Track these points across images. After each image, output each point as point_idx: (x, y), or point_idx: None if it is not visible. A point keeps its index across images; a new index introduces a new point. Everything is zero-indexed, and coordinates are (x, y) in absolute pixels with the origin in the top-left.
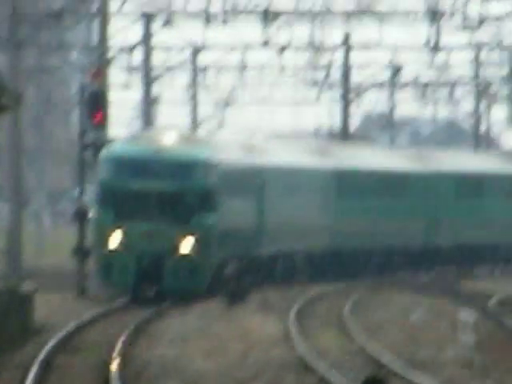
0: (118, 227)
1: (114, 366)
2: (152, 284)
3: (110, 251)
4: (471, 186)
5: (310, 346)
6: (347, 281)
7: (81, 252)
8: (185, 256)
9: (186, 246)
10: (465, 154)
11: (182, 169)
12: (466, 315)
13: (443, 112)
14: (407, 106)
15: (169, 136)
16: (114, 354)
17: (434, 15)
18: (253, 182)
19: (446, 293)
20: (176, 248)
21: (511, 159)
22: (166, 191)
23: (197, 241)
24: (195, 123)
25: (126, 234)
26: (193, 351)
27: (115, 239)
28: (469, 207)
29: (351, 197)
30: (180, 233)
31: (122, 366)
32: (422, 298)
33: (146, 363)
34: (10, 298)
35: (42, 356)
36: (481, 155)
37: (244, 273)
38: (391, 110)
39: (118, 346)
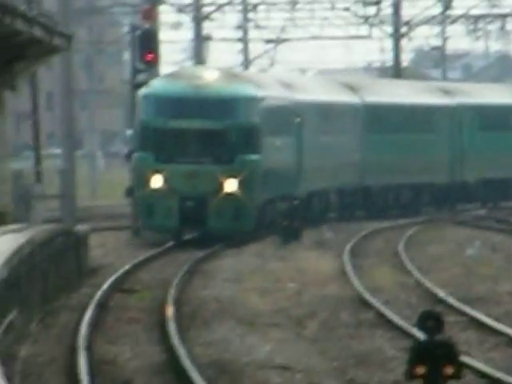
0: (160, 169)
1: (170, 306)
2: (196, 226)
3: (152, 193)
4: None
5: (365, 282)
6: (383, 216)
7: (134, 193)
8: (229, 195)
9: (231, 185)
10: (494, 87)
11: (225, 106)
12: None
13: (495, 46)
14: (459, 40)
15: (210, 73)
16: (170, 294)
17: None
18: (292, 119)
19: (501, 227)
20: (220, 188)
21: None
22: (209, 130)
23: (241, 180)
24: (247, 62)
25: (167, 176)
26: (248, 290)
27: (157, 181)
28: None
29: (380, 131)
30: (224, 172)
31: (178, 305)
32: (477, 232)
33: (202, 302)
34: (66, 239)
35: (97, 297)
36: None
37: (296, 211)
38: (443, 44)
39: (173, 285)
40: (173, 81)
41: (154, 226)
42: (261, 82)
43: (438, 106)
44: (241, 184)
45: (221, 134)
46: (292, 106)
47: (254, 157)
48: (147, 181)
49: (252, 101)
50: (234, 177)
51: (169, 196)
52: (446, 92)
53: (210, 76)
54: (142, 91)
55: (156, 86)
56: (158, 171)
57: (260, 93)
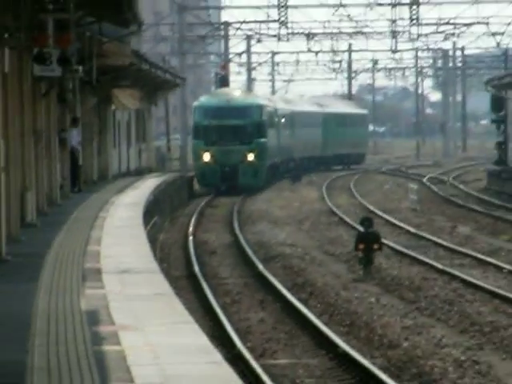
0: (208, 149)
1: (235, 214)
2: (231, 182)
3: (204, 164)
4: (341, 120)
5: (333, 202)
6: (340, 170)
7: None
8: (250, 163)
9: (250, 157)
10: (339, 101)
11: (245, 111)
12: (413, 185)
13: (400, 82)
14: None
15: (235, 91)
16: (234, 209)
17: None
18: (285, 119)
19: (401, 175)
20: (244, 159)
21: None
22: (236, 125)
23: (256, 154)
24: (273, 91)
25: (212, 153)
26: (273, 206)
27: (206, 157)
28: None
29: (332, 127)
30: (246, 150)
31: (238, 213)
32: (389, 177)
33: (251, 212)
34: (182, 180)
35: (198, 209)
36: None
37: (299, 166)
38: (373, 82)
39: (236, 205)
40: (213, 97)
41: (205, 183)
42: (266, 98)
43: (318, 112)
44: (256, 156)
45: (243, 127)
46: (285, 111)
47: (263, 140)
48: (201, 156)
49: (261, 107)
50: (252, 152)
51: (214, 165)
52: (320, 104)
53: (235, 93)
54: (195, 103)
55: (203, 100)
56: (207, 150)
57: (265, 103)
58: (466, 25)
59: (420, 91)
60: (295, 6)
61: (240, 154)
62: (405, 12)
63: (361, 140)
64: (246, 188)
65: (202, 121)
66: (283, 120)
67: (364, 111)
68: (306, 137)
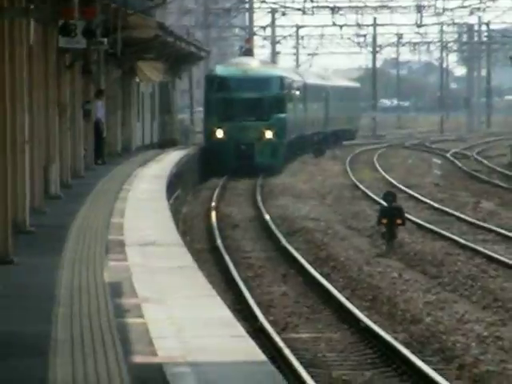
0: (221, 126)
1: (258, 187)
2: (247, 161)
3: (217, 142)
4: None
5: (356, 177)
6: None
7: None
8: (268, 141)
9: (268, 134)
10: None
11: (263, 83)
12: (436, 160)
13: (424, 57)
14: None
15: (253, 61)
16: (258, 184)
17: None
18: (302, 91)
19: (425, 150)
20: (262, 136)
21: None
22: (253, 98)
23: (274, 131)
24: (297, 64)
25: (226, 130)
26: (297, 180)
27: (219, 134)
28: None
29: (332, 102)
30: (263, 126)
31: (261, 187)
32: (414, 151)
33: (274, 186)
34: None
35: (221, 183)
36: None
37: (322, 141)
38: (397, 56)
39: (259, 179)
40: (228, 67)
41: (219, 163)
42: (288, 71)
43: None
44: (274, 133)
45: (261, 101)
46: (299, 84)
47: (282, 115)
48: (213, 133)
49: (281, 79)
50: (270, 129)
51: (228, 143)
52: (322, 77)
53: (253, 63)
54: (207, 74)
55: (217, 70)
56: (220, 127)
57: (285, 75)
58: None
59: (444, 66)
60: None
61: (257, 131)
62: None
63: (355, 115)
64: (263, 168)
65: (214, 93)
66: (308, 93)
67: (356, 85)
68: (315, 112)
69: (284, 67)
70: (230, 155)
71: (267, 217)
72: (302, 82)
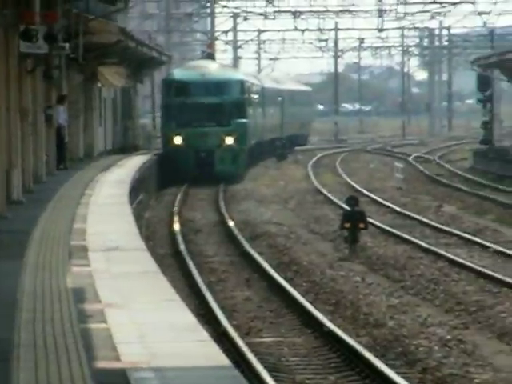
0: (179, 132)
1: (220, 192)
2: (207, 169)
3: (175, 149)
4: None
5: (319, 181)
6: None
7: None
8: (228, 147)
9: (229, 140)
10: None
11: (223, 86)
12: (399, 164)
13: (385, 61)
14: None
15: (211, 64)
16: (220, 190)
17: None
18: (261, 96)
19: (387, 154)
20: (222, 142)
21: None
22: (213, 103)
23: (236, 137)
24: (259, 70)
25: (185, 137)
26: (259, 185)
27: (177, 140)
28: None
29: (287, 106)
30: (224, 132)
31: (224, 192)
32: (375, 155)
33: (236, 191)
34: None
35: (183, 188)
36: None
37: (284, 145)
38: (359, 61)
39: (221, 185)
40: (185, 70)
41: (177, 170)
42: (247, 74)
43: (280, 90)
44: (235, 139)
45: (221, 106)
46: (257, 88)
47: (243, 121)
48: (171, 140)
49: (241, 82)
50: (231, 135)
51: (186, 150)
52: (278, 81)
53: (211, 66)
54: (164, 78)
55: (174, 74)
56: (178, 133)
57: (245, 78)
58: (452, 4)
59: (406, 70)
60: None
61: (217, 138)
62: None
63: (307, 120)
64: (223, 176)
65: (172, 98)
66: (267, 98)
67: (308, 88)
68: (272, 117)
69: (242, 71)
70: (189, 163)
71: (231, 223)
72: (260, 86)
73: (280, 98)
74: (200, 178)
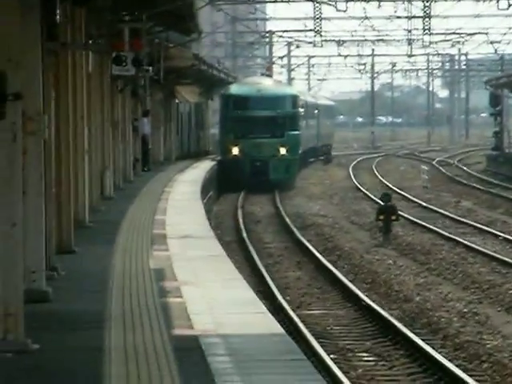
0: (237, 143)
1: (276, 190)
2: (261, 177)
3: (232, 158)
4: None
5: (358, 180)
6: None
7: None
8: (282, 157)
9: (283, 151)
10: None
11: (277, 101)
12: (424, 167)
13: (414, 81)
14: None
15: (266, 80)
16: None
17: None
18: (313, 110)
19: (415, 158)
20: (277, 153)
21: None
22: (268, 116)
23: (289, 147)
24: (309, 88)
25: (242, 147)
26: (309, 184)
27: (235, 151)
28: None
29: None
30: (278, 143)
31: (279, 191)
32: (405, 160)
33: (289, 189)
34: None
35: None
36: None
37: (329, 152)
38: (391, 81)
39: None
40: (243, 85)
41: (234, 179)
42: (300, 91)
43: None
44: (288, 150)
45: (275, 119)
46: (312, 103)
47: (296, 132)
48: (229, 150)
49: (294, 97)
50: (284, 146)
51: (243, 159)
52: (315, 97)
53: (266, 82)
54: (223, 92)
55: (232, 88)
56: (236, 144)
57: (298, 93)
58: (469, 34)
59: (431, 89)
60: (328, 18)
61: (272, 148)
62: (419, 23)
63: (331, 131)
64: (277, 184)
65: (230, 111)
66: (311, 111)
67: (332, 103)
68: (312, 129)
69: (293, 87)
70: (245, 172)
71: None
72: (304, 100)
73: (316, 111)
74: (255, 187)
